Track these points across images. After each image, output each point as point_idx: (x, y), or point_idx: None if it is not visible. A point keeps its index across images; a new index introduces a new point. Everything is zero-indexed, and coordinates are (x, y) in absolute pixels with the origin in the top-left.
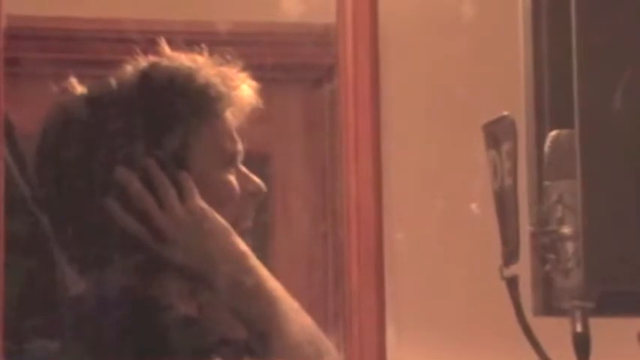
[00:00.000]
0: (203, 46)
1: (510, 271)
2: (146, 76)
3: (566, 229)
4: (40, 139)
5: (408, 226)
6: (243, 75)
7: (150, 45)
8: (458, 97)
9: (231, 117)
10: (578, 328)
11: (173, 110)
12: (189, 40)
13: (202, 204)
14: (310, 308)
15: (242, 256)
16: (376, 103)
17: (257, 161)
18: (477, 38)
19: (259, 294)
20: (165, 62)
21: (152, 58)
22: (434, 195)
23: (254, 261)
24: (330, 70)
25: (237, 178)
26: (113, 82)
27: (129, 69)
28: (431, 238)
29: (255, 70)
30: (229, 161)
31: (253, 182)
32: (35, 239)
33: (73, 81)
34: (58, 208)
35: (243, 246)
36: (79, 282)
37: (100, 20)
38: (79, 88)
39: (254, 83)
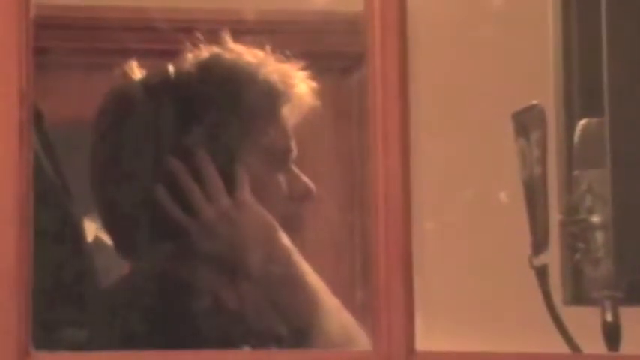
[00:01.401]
0: (265, 42)
1: (540, 260)
2: (206, 68)
3: (595, 219)
4: (96, 121)
5: (436, 216)
6: (303, 73)
7: (177, 34)
8: (487, 86)
9: (288, 115)
10: (608, 318)
11: (230, 104)
12: (215, 29)
13: (250, 198)
14: (338, 297)
15: (285, 251)
16: (404, 92)
17: None
18: (505, 27)
19: (300, 290)
20: (226, 55)
21: (214, 49)
22: (463, 184)
23: (297, 257)
24: (359, 59)
25: (287, 179)
26: (172, 69)
27: (189, 57)
28: (459, 228)
29: (283, 59)
30: (281, 160)
31: (304, 184)
32: (65, 229)
33: (133, 65)
34: (109, 191)
35: (287, 242)
36: (111, 270)
37: (128, 9)
38: (138, 74)
39: (313, 83)
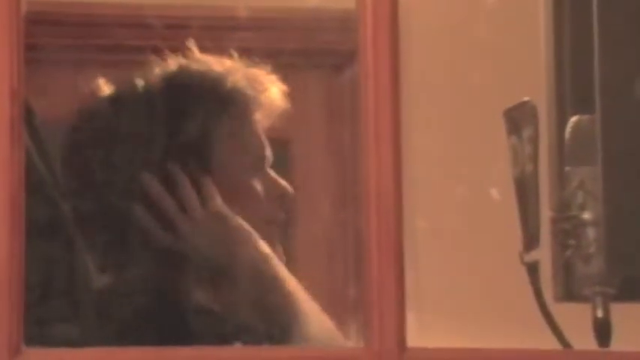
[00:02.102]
0: (232, 50)
1: (531, 256)
2: (174, 79)
3: (587, 215)
4: (68, 137)
5: (428, 213)
6: (273, 77)
7: (170, 31)
8: (479, 83)
9: (260, 120)
10: (599, 314)
11: (200, 114)
12: (209, 26)
13: (224, 208)
14: (330, 295)
15: (263, 258)
16: (396, 89)
17: (277, 147)
18: (498, 24)
19: (279, 296)
20: (194, 66)
21: (181, 61)
22: (454, 181)
23: (275, 262)
24: (351, 56)
25: (265, 182)
26: (140, 83)
27: (157, 71)
28: (451, 225)
29: (276, 56)
30: (256, 165)
31: (281, 186)
32: (56, 225)
33: (101, 82)
34: (82, 204)
35: (265, 248)
36: (100, 270)
37: (120, 5)
38: (106, 89)
39: (283, 86)
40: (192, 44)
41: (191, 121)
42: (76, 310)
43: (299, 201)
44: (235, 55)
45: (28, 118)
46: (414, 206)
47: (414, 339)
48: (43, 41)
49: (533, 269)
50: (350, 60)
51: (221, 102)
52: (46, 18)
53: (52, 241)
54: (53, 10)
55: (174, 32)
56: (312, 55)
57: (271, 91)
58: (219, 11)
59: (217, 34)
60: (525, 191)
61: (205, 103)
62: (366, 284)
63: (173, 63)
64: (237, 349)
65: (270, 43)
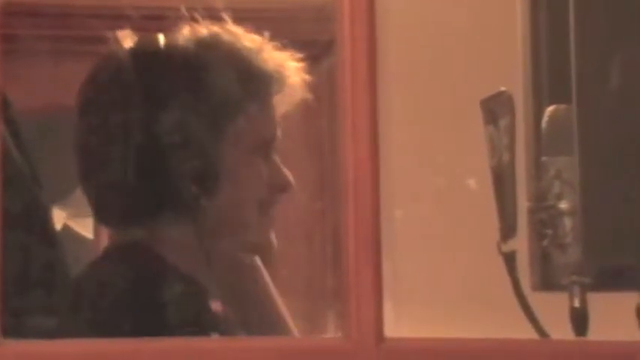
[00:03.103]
0: (265, 30)
1: (508, 246)
2: (204, 45)
3: (563, 205)
4: (84, 87)
5: (405, 203)
6: (298, 65)
7: (146, 21)
8: (456, 73)
9: (279, 104)
10: (576, 303)
11: (223, 85)
12: (185, 16)
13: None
14: (308, 285)
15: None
16: (373, 79)
17: None
18: (474, 14)
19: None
20: (225, 36)
21: (213, 28)
22: (431, 171)
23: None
24: (328, 46)
25: (269, 168)
26: (167, 41)
27: (185, 32)
28: (429, 215)
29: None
30: (265, 147)
31: (284, 176)
32: (33, 216)
33: (126, 33)
34: (92, 155)
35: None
36: (80, 259)
37: None
38: (130, 42)
39: (306, 75)
40: (226, 14)
41: (214, 89)
42: (53, 301)
43: None
44: (266, 34)
45: (4, 109)
46: (391, 196)
47: (392, 329)
48: (20, 32)
49: (510, 259)
50: (327, 50)
51: (246, 77)
52: (23, 9)
53: (29, 232)
54: (30, 1)
55: (150, 23)
56: (288, 46)
57: (294, 78)
58: (196, 2)
59: (194, 24)
60: (502, 181)
61: (231, 75)
62: (343, 274)
63: (205, 29)
64: (214, 340)
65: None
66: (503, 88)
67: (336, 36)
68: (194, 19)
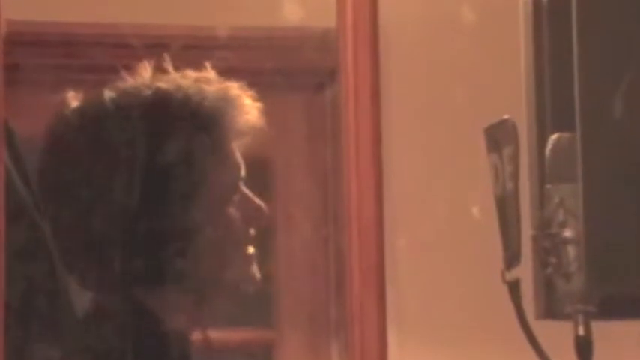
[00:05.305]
0: (207, 63)
1: (512, 274)
2: (149, 100)
3: (567, 233)
4: (41, 153)
5: (409, 232)
6: (249, 94)
7: (149, 50)
8: (459, 101)
9: (236, 140)
10: (580, 332)
11: (177, 135)
12: (188, 45)
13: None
14: (312, 314)
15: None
16: (377, 107)
17: (258, 167)
18: (477, 42)
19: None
20: (167, 84)
21: (156, 81)
22: (435, 200)
23: None
24: (332, 74)
25: (239, 202)
26: (108, 97)
27: (129, 88)
28: (432, 244)
29: (256, 75)
30: (232, 185)
31: (255, 206)
32: (37, 246)
33: (71, 95)
34: (59, 219)
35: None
36: (81, 291)
37: (100, 25)
38: (75, 102)
39: (259, 103)
40: (167, 61)
41: (169, 142)
42: (56, 332)
43: (280, 220)
44: (208, 67)
45: (8, 138)
46: (394, 225)
47: (395, 358)
48: (24, 61)
49: (514, 287)
50: (330, 79)
51: (198, 124)
52: (27, 39)
53: (33, 261)
54: (33, 31)
55: (153, 52)
56: (293, 74)
57: (248, 110)
58: (199, 31)
59: (197, 53)
60: (506, 209)
61: (182, 125)
62: (347, 303)
63: (147, 81)
64: None
65: (251, 63)
66: (506, 117)
67: (340, 64)
68: (134, 73)
